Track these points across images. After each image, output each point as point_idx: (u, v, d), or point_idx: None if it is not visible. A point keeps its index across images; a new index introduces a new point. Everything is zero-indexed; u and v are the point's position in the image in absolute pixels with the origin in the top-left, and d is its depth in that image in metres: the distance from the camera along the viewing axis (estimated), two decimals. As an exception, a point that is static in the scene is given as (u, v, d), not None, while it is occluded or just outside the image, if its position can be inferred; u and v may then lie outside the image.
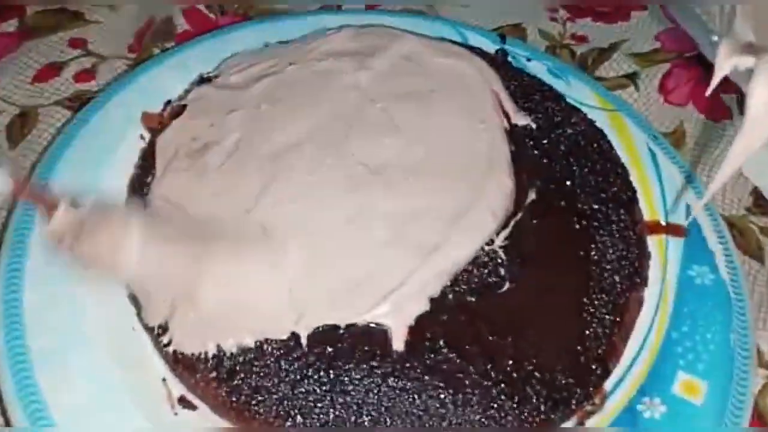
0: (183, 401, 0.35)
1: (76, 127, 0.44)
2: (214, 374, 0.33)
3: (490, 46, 0.53)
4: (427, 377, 0.34)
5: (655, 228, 0.44)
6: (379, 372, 0.34)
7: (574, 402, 0.35)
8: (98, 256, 0.34)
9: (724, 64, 0.35)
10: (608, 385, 0.38)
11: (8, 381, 0.33)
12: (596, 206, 0.42)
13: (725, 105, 0.55)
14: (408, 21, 0.54)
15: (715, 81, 0.35)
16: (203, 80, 0.46)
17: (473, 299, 0.37)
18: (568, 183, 0.43)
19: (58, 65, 0.56)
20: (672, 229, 0.44)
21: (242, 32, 0.52)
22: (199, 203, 0.38)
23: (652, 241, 0.43)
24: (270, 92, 0.44)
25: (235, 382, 0.33)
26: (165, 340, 0.35)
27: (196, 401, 0.35)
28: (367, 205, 0.38)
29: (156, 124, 0.45)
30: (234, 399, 0.33)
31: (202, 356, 0.34)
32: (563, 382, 0.35)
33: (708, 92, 0.35)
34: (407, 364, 0.34)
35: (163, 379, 0.36)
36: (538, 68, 0.52)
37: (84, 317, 0.36)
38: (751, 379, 0.37)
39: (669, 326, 0.40)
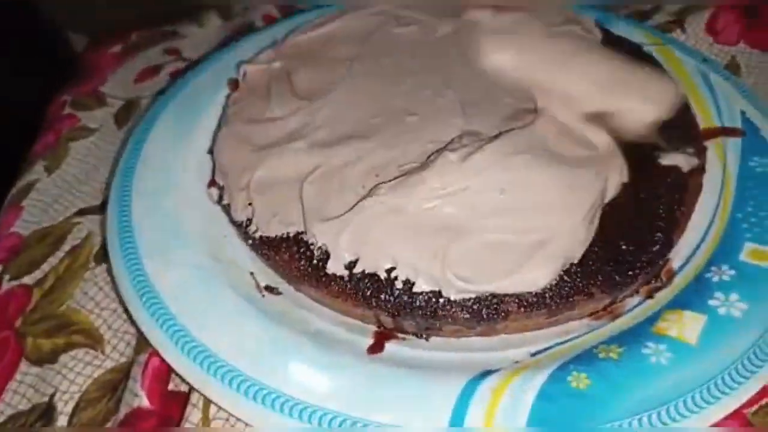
0: (268, 288, 0.39)
1: (174, 89, 0.51)
2: (295, 248, 0.37)
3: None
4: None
5: (712, 132, 0.45)
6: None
7: (638, 269, 0.36)
8: None
9: None
10: (676, 264, 0.39)
11: (121, 266, 0.38)
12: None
13: (776, 39, 0.56)
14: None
15: None
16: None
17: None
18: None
19: (155, 68, 0.65)
20: (728, 131, 0.45)
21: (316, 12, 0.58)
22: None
23: (711, 143, 0.44)
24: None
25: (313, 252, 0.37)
26: (252, 228, 0.39)
27: (280, 286, 0.39)
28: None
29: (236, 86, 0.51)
30: (312, 268, 0.36)
31: (284, 236, 0.38)
32: (626, 248, 0.36)
33: None
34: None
35: (251, 273, 0.40)
36: (584, 20, 0.55)
37: (184, 222, 0.41)
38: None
39: (733, 207, 0.40)
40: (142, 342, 0.38)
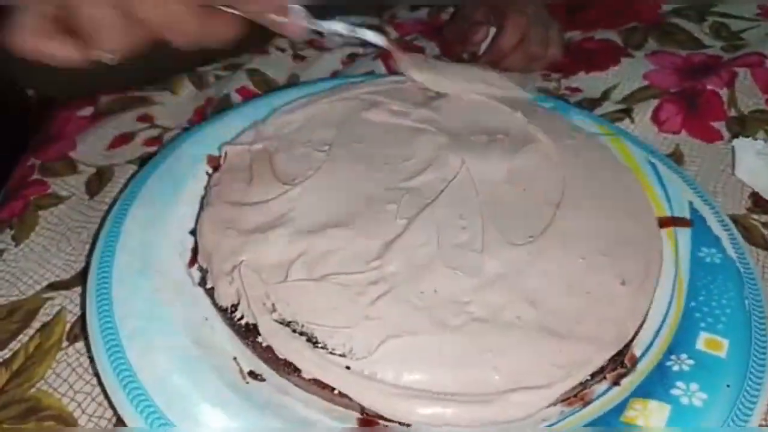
0: (252, 374, 0.39)
1: (153, 164, 0.51)
2: (282, 337, 0.38)
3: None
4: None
5: (664, 222, 0.49)
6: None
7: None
8: None
9: None
10: (638, 351, 0.41)
11: (103, 356, 0.38)
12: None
13: (716, 129, 0.62)
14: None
15: None
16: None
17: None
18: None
19: (129, 135, 0.65)
20: (678, 221, 0.49)
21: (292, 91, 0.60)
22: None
23: (663, 232, 0.48)
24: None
25: (301, 342, 0.38)
26: (238, 315, 0.39)
27: (264, 373, 0.39)
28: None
29: (216, 164, 0.52)
30: (300, 358, 0.37)
31: (271, 324, 0.39)
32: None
33: None
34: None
35: (234, 358, 0.40)
36: (542, 108, 0.59)
37: (165, 306, 0.41)
38: (768, 337, 0.41)
39: (687, 297, 0.43)
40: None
